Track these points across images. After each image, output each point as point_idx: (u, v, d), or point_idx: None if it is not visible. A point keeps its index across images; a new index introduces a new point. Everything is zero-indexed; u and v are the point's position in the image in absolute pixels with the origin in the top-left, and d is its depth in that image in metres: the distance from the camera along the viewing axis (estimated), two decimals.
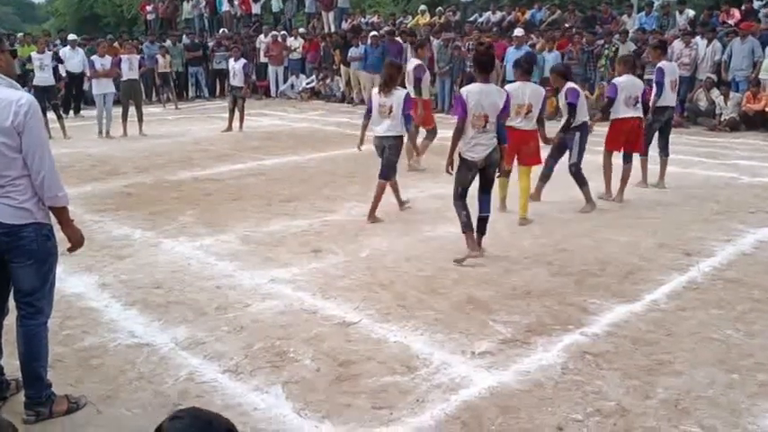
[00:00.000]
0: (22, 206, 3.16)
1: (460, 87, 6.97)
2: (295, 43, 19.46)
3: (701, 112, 13.16)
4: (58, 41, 19.48)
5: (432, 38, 16.40)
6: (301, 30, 21.00)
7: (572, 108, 6.91)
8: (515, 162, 6.89)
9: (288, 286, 5.11)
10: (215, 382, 3.75)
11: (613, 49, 14.16)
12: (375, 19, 21.24)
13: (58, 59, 14.98)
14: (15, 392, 3.55)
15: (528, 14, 18.54)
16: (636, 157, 7.79)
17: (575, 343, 4.16)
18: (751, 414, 3.40)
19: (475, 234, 5.72)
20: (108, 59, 12.85)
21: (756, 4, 15.23)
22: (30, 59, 13.67)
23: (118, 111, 12.94)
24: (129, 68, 12.93)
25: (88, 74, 13.68)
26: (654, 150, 8.17)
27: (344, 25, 20.61)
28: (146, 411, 3.45)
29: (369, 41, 16.19)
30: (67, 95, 15.97)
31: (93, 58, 13.07)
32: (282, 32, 20.14)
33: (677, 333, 4.30)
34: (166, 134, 13.14)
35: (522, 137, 6.60)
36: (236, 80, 13.25)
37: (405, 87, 7.40)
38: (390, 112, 6.73)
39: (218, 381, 3.76)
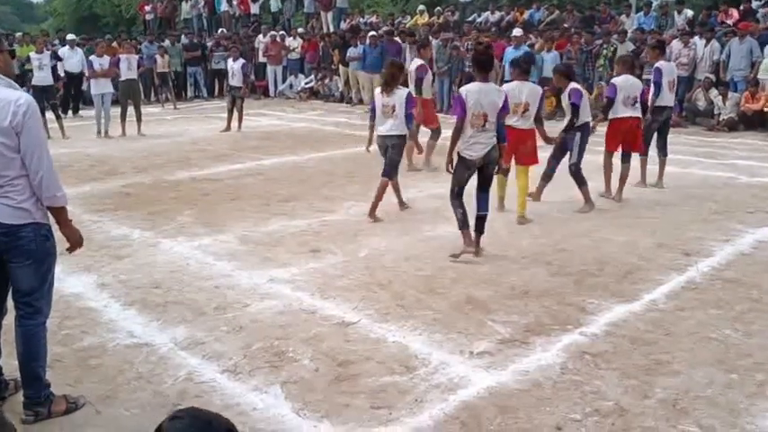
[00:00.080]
0: (20, 206, 3.16)
1: (459, 87, 6.97)
2: (294, 43, 19.45)
3: (700, 111, 13.17)
4: (56, 41, 19.45)
5: (430, 38, 16.39)
6: (300, 30, 20.99)
7: (575, 108, 6.92)
8: (513, 162, 6.91)
9: (286, 286, 5.11)
10: (214, 382, 3.75)
11: (612, 48, 14.16)
12: (374, 19, 21.24)
13: (56, 58, 14.97)
14: (14, 392, 3.54)
15: (526, 14, 18.55)
16: (635, 157, 7.80)
17: (573, 343, 4.16)
18: (749, 414, 3.40)
19: (473, 233, 5.74)
20: (106, 59, 12.84)
21: (755, 4, 15.24)
22: (28, 59, 13.65)
23: (116, 111, 12.94)
24: (128, 68, 12.91)
25: (87, 74, 13.65)
26: (652, 150, 8.18)
27: (343, 25, 20.61)
28: (145, 411, 3.45)
29: (367, 41, 16.19)
30: (66, 95, 15.96)
31: (92, 58, 13.06)
32: (281, 32, 20.12)
33: (676, 333, 4.31)
34: (165, 134, 13.13)
35: (519, 136, 6.62)
36: (235, 80, 13.25)
37: (407, 87, 7.41)
38: (394, 111, 6.77)
39: (217, 381, 3.76)
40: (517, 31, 15.43)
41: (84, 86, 15.53)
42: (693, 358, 3.98)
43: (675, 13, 15.92)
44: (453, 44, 15.93)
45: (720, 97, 12.86)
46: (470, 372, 3.83)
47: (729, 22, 14.74)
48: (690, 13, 15.96)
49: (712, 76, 13.24)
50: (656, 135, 8.16)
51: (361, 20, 20.99)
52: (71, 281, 5.23)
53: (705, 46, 13.47)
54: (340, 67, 18.05)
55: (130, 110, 12.90)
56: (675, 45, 13.57)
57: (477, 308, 4.70)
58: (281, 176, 9.12)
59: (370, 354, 4.03)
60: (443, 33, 16.72)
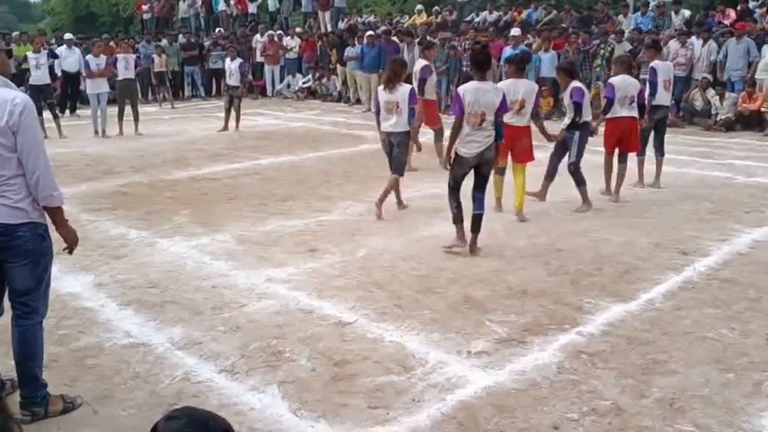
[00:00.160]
0: (16, 206, 3.15)
1: (457, 87, 7.00)
2: (291, 43, 19.42)
3: (697, 111, 13.18)
4: (53, 41, 19.41)
5: (428, 38, 16.39)
6: (298, 29, 20.97)
7: (578, 107, 6.94)
8: (510, 160, 6.93)
9: (284, 286, 5.11)
10: (211, 381, 3.75)
11: (609, 48, 14.16)
12: (372, 18, 21.23)
13: (53, 56, 14.95)
14: (11, 392, 3.53)
15: (524, 14, 18.54)
16: (632, 157, 7.81)
17: (570, 342, 4.17)
18: (746, 413, 3.41)
19: (470, 233, 5.77)
20: (103, 59, 12.82)
21: (752, 5, 15.25)
22: (25, 59, 13.62)
23: (114, 110, 12.92)
24: (125, 68, 12.90)
25: (84, 74, 13.63)
26: (650, 150, 8.19)
27: (341, 25, 20.60)
28: (141, 411, 3.45)
29: (365, 41, 16.18)
30: (63, 95, 15.94)
31: (88, 58, 13.03)
32: (279, 32, 20.09)
33: (673, 332, 4.31)
34: (162, 134, 13.12)
35: (515, 133, 6.65)
36: (233, 80, 13.23)
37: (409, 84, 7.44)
38: (397, 107, 6.82)
39: (214, 380, 3.76)
40: (515, 31, 15.44)
41: (82, 86, 15.50)
42: (690, 358, 3.98)
43: (673, 13, 15.92)
44: (451, 44, 15.93)
45: (717, 97, 12.87)
46: (468, 371, 3.83)
47: (726, 22, 14.76)
48: (687, 13, 15.97)
49: (709, 76, 13.25)
50: (653, 134, 8.16)
51: (358, 19, 20.98)
52: (68, 280, 5.23)
53: (702, 46, 13.48)
54: (338, 66, 18.03)
55: (128, 109, 12.89)
56: (673, 45, 13.58)
57: (474, 307, 4.70)
58: (278, 176, 9.12)
59: (367, 353, 4.03)
60: (441, 33, 16.72)
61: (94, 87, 12.76)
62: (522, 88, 6.67)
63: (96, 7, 35.87)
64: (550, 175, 7.36)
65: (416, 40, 15.72)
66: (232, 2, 23.32)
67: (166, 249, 6.02)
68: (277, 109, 17.02)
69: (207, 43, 19.94)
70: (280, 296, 4.91)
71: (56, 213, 3.28)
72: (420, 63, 9.35)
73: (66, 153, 10.75)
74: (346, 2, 22.45)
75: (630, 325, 4.42)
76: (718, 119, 12.79)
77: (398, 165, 7.01)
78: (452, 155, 5.78)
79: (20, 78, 13.61)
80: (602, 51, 14.38)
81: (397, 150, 6.95)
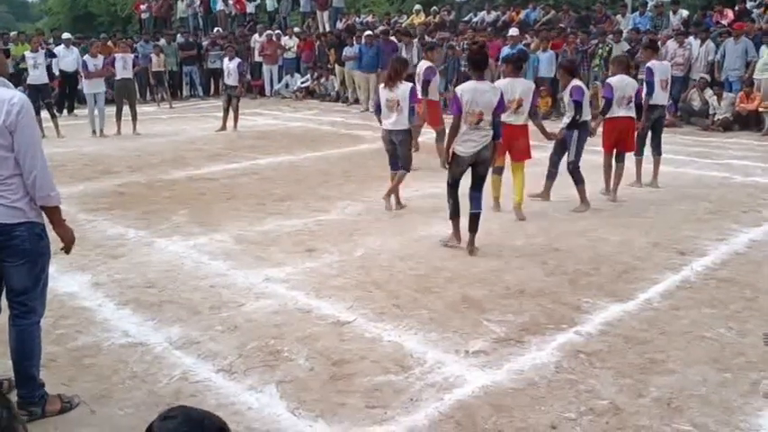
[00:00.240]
0: (14, 205, 3.15)
1: (455, 87, 7.03)
2: (290, 42, 19.42)
3: (695, 111, 13.19)
4: (51, 41, 19.39)
5: (426, 37, 16.40)
6: (296, 29, 20.97)
7: (578, 105, 6.95)
8: (508, 160, 6.95)
9: (282, 285, 5.11)
10: (209, 381, 3.75)
11: (607, 48, 14.18)
12: (370, 18, 21.24)
13: (51, 55, 14.93)
14: (8, 392, 3.52)
15: (522, 14, 18.55)
16: (630, 157, 7.82)
17: (568, 342, 4.17)
18: (743, 412, 3.41)
19: (466, 234, 5.81)
20: (100, 59, 12.82)
21: (750, 5, 15.27)
22: (23, 58, 13.61)
23: (112, 110, 12.91)
24: (123, 67, 12.89)
25: (82, 74, 13.61)
26: (647, 150, 8.19)
27: (339, 25, 20.60)
28: (139, 411, 3.44)
29: (363, 41, 16.17)
30: (61, 94, 15.92)
31: (86, 58, 13.01)
32: (277, 32, 20.09)
33: (670, 332, 4.32)
34: (160, 133, 13.11)
35: (513, 132, 6.68)
36: (231, 79, 13.23)
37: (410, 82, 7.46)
38: (398, 105, 6.87)
39: (212, 380, 3.76)
40: (513, 31, 15.45)
41: (80, 86, 15.48)
42: (688, 357, 3.99)
43: (671, 13, 15.94)
44: (449, 44, 15.94)
45: (715, 97, 12.89)
46: (465, 371, 3.83)
47: (724, 22, 14.77)
48: (685, 13, 15.99)
49: (707, 77, 13.26)
50: (650, 134, 8.17)
51: (357, 19, 20.98)
52: (65, 280, 5.22)
53: (700, 46, 13.50)
54: (336, 66, 18.03)
55: (126, 109, 12.87)
56: (671, 45, 13.59)
57: (472, 307, 4.70)
58: (276, 176, 9.11)
59: (365, 353, 4.03)
60: (439, 33, 16.73)
61: (91, 87, 12.75)
62: (519, 87, 6.71)
63: (94, 7, 35.82)
64: (552, 174, 7.38)
65: (415, 40, 15.73)
66: (230, 1, 23.32)
67: (164, 249, 6.02)
68: (275, 109, 17.01)
69: (205, 43, 19.93)
70: (278, 296, 4.91)
71: (53, 213, 3.28)
72: (424, 64, 9.37)
73: (63, 153, 10.74)
74: (344, 2, 22.46)
75: (628, 324, 4.43)
76: (715, 119, 12.80)
77: (405, 161, 7.11)
78: (450, 154, 5.81)
79: (18, 78, 13.62)
80: (600, 51, 14.39)
81: (401, 148, 7.05)
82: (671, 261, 5.61)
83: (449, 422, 3.35)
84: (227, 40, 18.97)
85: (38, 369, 3.41)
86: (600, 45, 14.53)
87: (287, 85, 19.31)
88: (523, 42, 15.24)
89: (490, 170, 6.37)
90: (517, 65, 6.91)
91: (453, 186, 5.90)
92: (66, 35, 16.89)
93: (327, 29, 20.65)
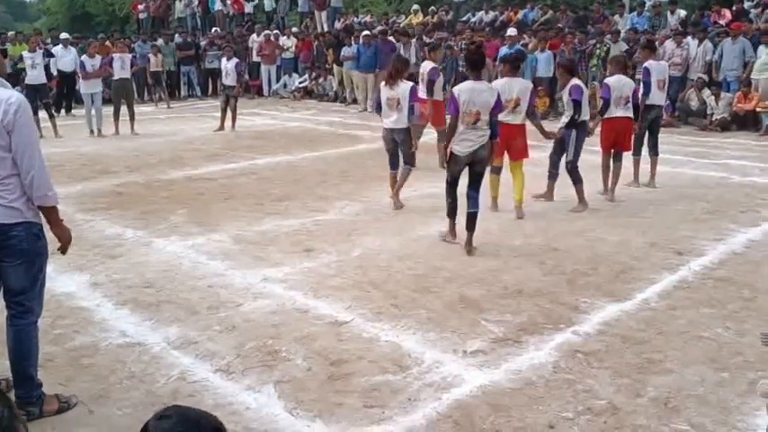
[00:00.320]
0: (11, 205, 3.15)
1: (453, 87, 7.05)
2: (288, 42, 19.41)
3: (693, 111, 13.21)
4: (49, 40, 19.35)
5: (425, 37, 16.41)
6: (294, 29, 20.97)
7: (577, 105, 6.96)
8: (506, 160, 6.97)
9: (280, 285, 5.11)
10: (206, 381, 3.75)
11: (605, 48, 14.19)
12: (368, 18, 21.23)
13: (49, 55, 14.91)
14: (6, 392, 3.51)
15: (520, 14, 18.56)
16: (627, 157, 7.83)
17: (566, 342, 4.17)
18: (740, 412, 3.42)
19: (464, 233, 5.83)
20: (98, 60, 12.80)
21: (747, 5, 15.28)
22: (21, 58, 13.59)
23: (109, 110, 12.90)
24: (121, 67, 12.87)
25: (80, 75, 13.58)
26: (644, 150, 8.20)
27: (337, 25, 20.59)
28: (137, 411, 3.44)
29: (361, 41, 16.17)
30: (59, 94, 15.89)
31: (84, 58, 12.99)
32: (275, 32, 20.09)
33: (668, 332, 4.32)
34: (158, 133, 13.10)
35: (510, 131, 6.70)
36: (229, 79, 13.21)
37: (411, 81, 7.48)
38: (398, 104, 6.91)
39: (210, 380, 3.76)
40: (511, 31, 15.47)
41: (78, 86, 15.47)
42: (685, 357, 3.99)
43: (668, 13, 15.95)
44: (447, 44, 15.94)
45: (713, 97, 12.91)
46: (463, 371, 3.83)
47: (722, 22, 14.78)
48: (683, 13, 16.00)
49: (705, 77, 13.28)
50: (647, 134, 8.18)
51: (355, 19, 20.98)
52: (63, 280, 5.22)
53: (698, 46, 13.51)
54: (334, 66, 18.02)
55: (124, 109, 12.86)
56: (668, 45, 13.61)
57: (470, 307, 4.70)
58: (274, 176, 9.11)
59: (363, 353, 4.04)
60: (437, 33, 16.73)
61: (88, 87, 12.74)
62: (516, 87, 6.74)
63: (92, 7, 35.77)
64: (553, 175, 7.39)
65: (413, 40, 15.74)
66: (228, 1, 23.31)
67: (162, 249, 6.01)
68: (273, 109, 17.01)
69: (203, 43, 19.92)
70: (276, 296, 4.91)
71: (50, 213, 3.28)
72: (428, 65, 9.36)
73: (61, 153, 10.73)
74: (343, 2, 22.45)
75: (626, 324, 4.43)
76: (713, 119, 12.82)
77: (409, 157, 7.17)
78: (448, 154, 5.86)
79: (16, 78, 13.60)
80: (597, 51, 14.40)
81: (403, 147, 7.11)
82: (668, 261, 5.62)
83: (447, 422, 3.35)
84: (224, 40, 18.96)
85: (35, 369, 3.41)
86: (598, 45, 14.54)
87: (285, 85, 19.30)
88: (521, 42, 15.26)
89: (488, 170, 6.40)
90: (514, 64, 6.95)
91: (452, 185, 5.94)
92: (64, 35, 16.85)
93: (325, 29, 20.66)
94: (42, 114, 12.30)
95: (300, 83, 19.19)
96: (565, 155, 7.18)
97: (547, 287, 5.06)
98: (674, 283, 5.15)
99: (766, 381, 3.10)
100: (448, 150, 5.85)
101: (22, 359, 3.34)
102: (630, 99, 7.49)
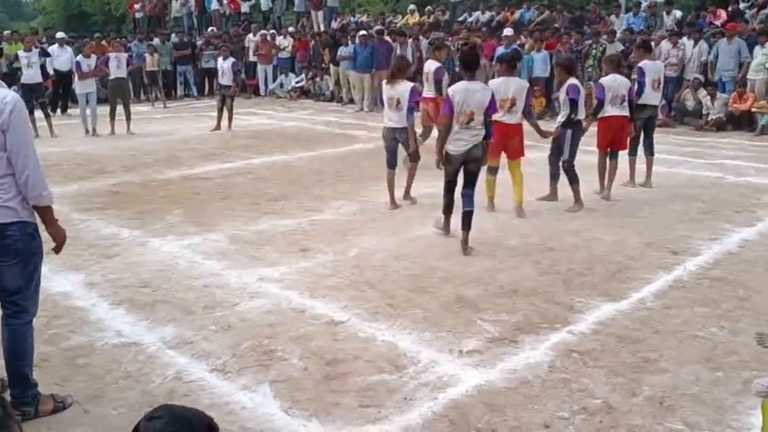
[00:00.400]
0: (6, 205, 3.14)
1: (449, 86, 7.06)
2: (284, 42, 19.40)
3: (688, 111, 13.24)
4: (44, 40, 19.32)
5: (421, 37, 16.41)
6: (290, 29, 20.94)
7: (574, 104, 6.97)
8: (503, 161, 6.97)
9: (276, 285, 5.11)
10: (202, 381, 3.75)
11: (601, 49, 14.20)
12: (364, 18, 21.23)
13: (45, 54, 14.88)
14: (1, 392, 3.52)
15: (517, 14, 18.59)
16: (623, 157, 7.84)
17: (562, 341, 4.18)
18: (735, 411, 3.43)
19: (458, 232, 5.86)
20: (93, 59, 12.78)
21: (743, 5, 15.33)
22: (17, 57, 13.55)
23: (105, 109, 12.88)
24: (117, 67, 12.85)
25: (76, 75, 13.55)
26: (640, 150, 8.21)
27: (334, 24, 20.59)
28: (133, 411, 3.43)
29: (358, 41, 16.17)
30: (55, 94, 15.87)
31: (79, 58, 12.95)
32: (272, 31, 20.07)
33: (663, 331, 4.33)
34: (154, 133, 13.08)
35: (507, 131, 6.74)
36: (225, 79, 13.20)
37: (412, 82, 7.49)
38: (398, 104, 6.92)
39: (206, 380, 3.76)
40: (508, 31, 15.48)
41: (74, 85, 15.44)
42: (680, 356, 4.00)
43: (664, 13, 15.99)
44: (444, 43, 15.93)
45: (709, 97, 12.93)
46: (459, 370, 3.84)
47: (717, 22, 14.83)
48: (678, 13, 16.05)
49: (701, 77, 13.30)
50: (642, 134, 8.19)
51: (351, 19, 20.98)
52: (59, 280, 5.21)
53: (694, 46, 13.54)
54: (330, 66, 18.02)
55: (120, 108, 12.84)
56: (664, 45, 13.64)
57: (466, 306, 4.71)
58: (271, 176, 9.11)
59: (359, 353, 4.04)
60: (434, 33, 16.73)
61: (83, 87, 12.73)
62: (512, 86, 6.75)
63: (88, 6, 35.73)
64: (554, 175, 7.39)
65: (410, 40, 15.74)
66: (225, 1, 23.28)
67: (158, 249, 6.01)
68: (270, 108, 17.00)
69: (199, 42, 19.90)
70: (272, 295, 4.91)
71: (45, 213, 3.27)
72: (432, 64, 9.36)
73: (57, 152, 10.71)
74: (339, 1, 22.46)
75: (621, 324, 4.44)
76: (709, 119, 12.84)
77: (413, 155, 7.22)
78: (443, 154, 5.88)
79: (11, 77, 13.56)
80: (594, 51, 14.41)
81: (405, 145, 7.13)
82: (664, 261, 5.63)
83: (442, 421, 3.36)
84: (221, 39, 18.92)
85: (31, 369, 3.40)
86: (594, 45, 14.56)
87: (281, 85, 19.29)
88: (518, 43, 15.27)
89: (485, 170, 6.41)
90: (511, 64, 6.97)
91: (449, 185, 5.98)
92: (60, 34, 16.83)
93: (322, 28, 20.65)
94: (38, 114, 12.28)
95: (297, 83, 19.18)
96: (562, 155, 7.18)
97: (542, 287, 5.07)
98: (669, 283, 5.16)
99: (761, 380, 3.11)
100: (443, 151, 5.85)
101: (18, 359, 3.34)
102: (626, 98, 7.50)
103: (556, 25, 16.70)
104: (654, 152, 8.30)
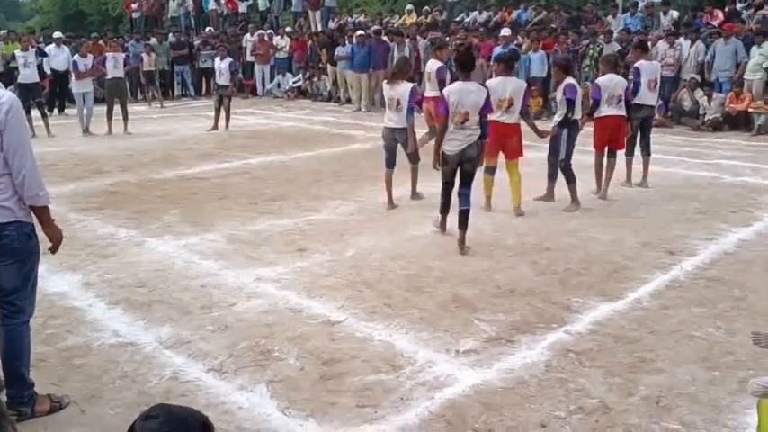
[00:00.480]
0: (3, 205, 3.14)
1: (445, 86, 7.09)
2: (282, 42, 19.38)
3: (685, 112, 13.26)
4: (41, 39, 19.28)
5: (419, 37, 16.42)
6: (288, 29, 20.93)
7: (570, 104, 6.98)
8: (501, 160, 6.99)
9: (273, 285, 5.11)
10: (199, 381, 3.75)
11: (598, 49, 14.21)
12: (362, 18, 21.23)
13: (42, 54, 14.87)
14: None
15: (514, 15, 18.60)
16: (621, 157, 7.85)
17: (558, 341, 4.19)
18: (731, 411, 3.44)
19: (458, 231, 5.87)
20: (90, 59, 12.77)
21: (739, 6, 15.36)
22: (14, 57, 13.53)
23: (101, 109, 12.87)
24: (115, 67, 12.85)
25: (73, 75, 13.53)
26: (637, 150, 8.23)
27: (331, 24, 20.59)
28: (129, 411, 3.43)
29: (355, 41, 16.17)
30: (52, 93, 15.84)
31: (76, 58, 12.95)
32: (269, 31, 20.05)
33: (659, 331, 4.34)
34: (152, 133, 13.07)
35: (505, 131, 6.75)
36: (223, 79, 13.20)
37: (412, 82, 7.49)
38: (398, 105, 6.94)
39: (203, 380, 3.76)
40: (505, 31, 15.49)
41: (71, 85, 15.42)
42: (676, 356, 4.01)
43: (661, 13, 16.01)
44: (445, 43, 15.94)
45: (705, 98, 12.96)
46: (456, 370, 3.84)
47: (714, 23, 14.85)
48: (675, 14, 16.07)
49: (698, 77, 13.33)
50: (639, 134, 8.21)
51: (349, 19, 20.98)
52: (56, 280, 5.20)
53: (690, 47, 13.56)
54: (328, 66, 18.01)
55: (117, 108, 12.83)
56: (661, 46, 13.65)
57: (463, 306, 4.71)
58: (268, 175, 9.10)
59: (355, 352, 4.04)
60: (431, 33, 16.74)
61: (80, 87, 12.73)
62: (510, 86, 6.77)
63: (85, 6, 35.67)
64: (552, 176, 7.40)
65: (407, 40, 15.74)
66: (222, 1, 23.26)
67: (155, 249, 6.00)
68: (267, 108, 16.99)
69: (197, 42, 19.87)
70: (269, 295, 4.91)
71: (42, 213, 3.27)
72: (434, 64, 9.31)
73: (54, 152, 10.70)
74: (336, 1, 22.44)
75: (618, 324, 4.45)
76: (705, 119, 12.87)
77: (413, 155, 7.26)
78: (440, 154, 5.91)
79: (8, 77, 13.54)
80: (591, 52, 14.43)
81: (405, 146, 7.15)
82: (660, 260, 5.64)
83: (439, 421, 3.36)
84: (218, 39, 18.92)
85: (27, 369, 3.40)
86: (591, 45, 14.58)
87: (279, 85, 19.28)
88: (515, 43, 15.28)
89: (482, 170, 6.42)
90: (508, 64, 6.98)
91: (447, 186, 6.01)
92: (57, 34, 16.80)
93: (319, 28, 20.64)
94: (35, 113, 12.26)
95: (294, 82, 19.17)
96: (559, 154, 7.19)
97: (539, 287, 5.08)
98: (666, 283, 5.17)
99: (756, 379, 3.11)
100: (440, 152, 5.88)
101: (14, 359, 3.34)
102: (623, 98, 7.52)
103: (553, 25, 16.72)
104: (650, 152, 8.32)
